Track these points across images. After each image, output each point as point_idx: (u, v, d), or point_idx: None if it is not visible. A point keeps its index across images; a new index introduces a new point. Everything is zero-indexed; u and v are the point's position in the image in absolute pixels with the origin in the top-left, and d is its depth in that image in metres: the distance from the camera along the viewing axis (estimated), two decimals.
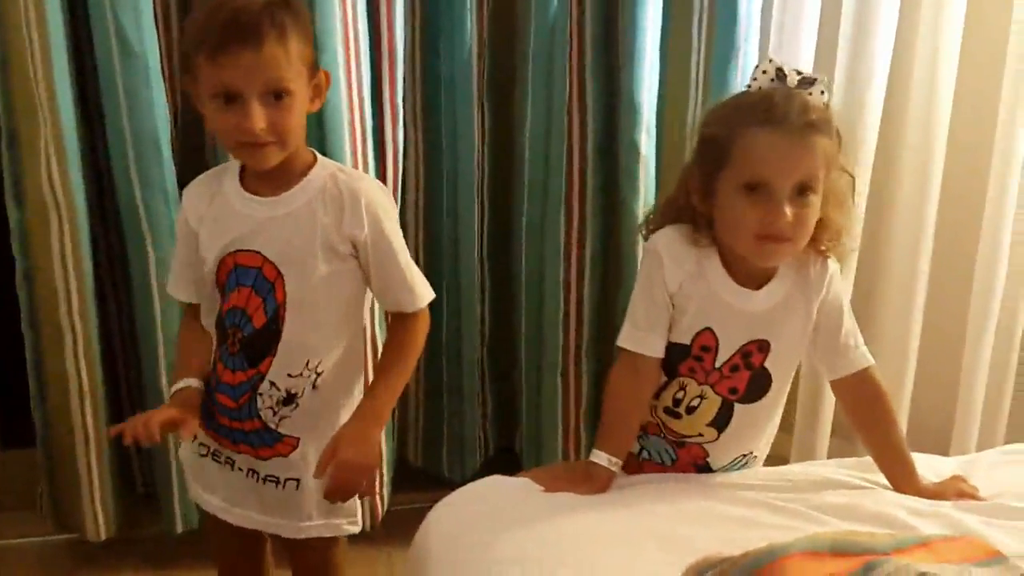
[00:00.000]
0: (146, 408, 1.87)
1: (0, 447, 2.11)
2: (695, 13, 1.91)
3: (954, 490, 1.43)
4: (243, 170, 1.42)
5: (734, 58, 1.91)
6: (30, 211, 1.72)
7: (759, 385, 1.42)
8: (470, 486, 1.43)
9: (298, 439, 1.44)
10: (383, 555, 1.97)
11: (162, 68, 1.73)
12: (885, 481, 1.45)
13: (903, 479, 1.44)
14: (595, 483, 1.38)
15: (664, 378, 1.44)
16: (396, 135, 1.86)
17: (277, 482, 1.46)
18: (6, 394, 2.05)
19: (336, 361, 1.44)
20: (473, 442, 2.11)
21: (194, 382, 1.44)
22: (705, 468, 1.47)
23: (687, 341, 1.41)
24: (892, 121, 2.09)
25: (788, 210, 1.29)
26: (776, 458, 2.23)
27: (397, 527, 1.75)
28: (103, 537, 1.89)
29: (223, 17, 1.28)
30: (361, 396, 1.47)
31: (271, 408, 1.42)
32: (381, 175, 1.84)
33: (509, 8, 1.94)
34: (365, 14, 1.77)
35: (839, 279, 1.44)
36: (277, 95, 1.30)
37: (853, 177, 1.43)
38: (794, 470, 1.53)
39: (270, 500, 1.47)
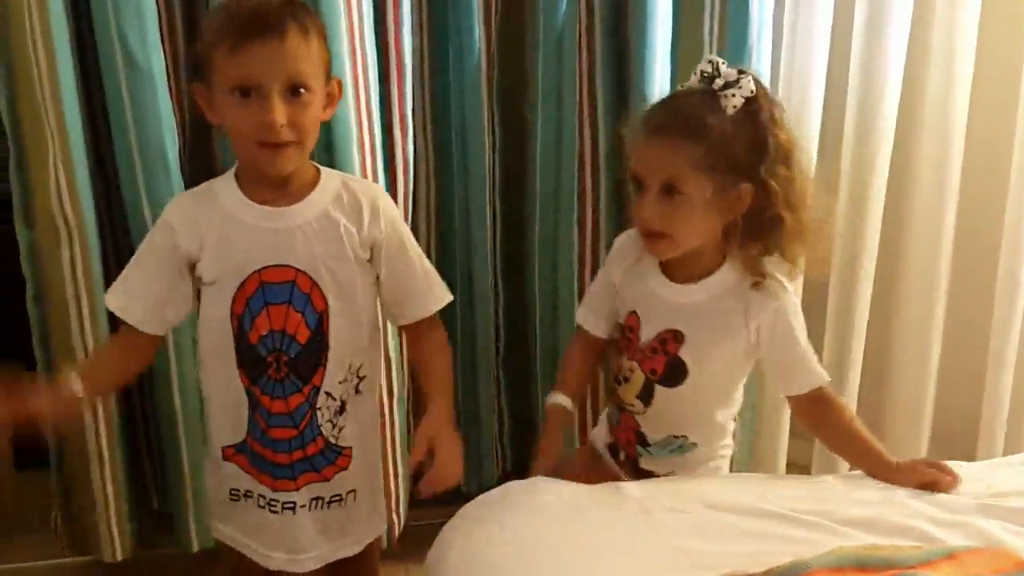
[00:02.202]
0: (160, 428, 1.87)
1: (14, 469, 2.09)
2: (706, 13, 1.88)
3: (916, 477, 1.45)
4: (241, 184, 1.40)
5: (746, 59, 1.87)
6: (40, 231, 1.71)
7: (676, 372, 1.50)
8: (482, 498, 1.40)
9: (351, 448, 1.47)
10: (401, 570, 1.95)
11: (168, 82, 1.71)
12: (912, 492, 1.42)
13: (876, 469, 1.49)
14: (548, 422, 1.56)
15: (622, 353, 1.58)
16: (406, 146, 1.84)
17: (340, 499, 1.48)
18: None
19: (370, 362, 1.47)
20: (490, 456, 2.09)
21: (77, 387, 1.39)
22: (641, 437, 1.58)
23: (623, 321, 1.56)
24: (908, 119, 2.05)
25: (650, 208, 1.40)
26: (797, 466, 2.24)
27: (415, 543, 1.72)
28: (119, 558, 1.88)
29: (245, 11, 1.30)
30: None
31: (330, 421, 1.44)
32: (391, 187, 1.82)
33: (517, 15, 1.91)
34: (372, 24, 1.75)
35: (788, 311, 1.47)
36: (296, 90, 1.31)
37: (795, 183, 1.42)
38: (812, 480, 1.50)
39: (335, 523, 1.49)
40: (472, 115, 1.90)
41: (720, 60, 1.41)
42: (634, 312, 1.53)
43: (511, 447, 2.16)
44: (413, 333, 1.52)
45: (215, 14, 1.37)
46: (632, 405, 1.56)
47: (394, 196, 1.82)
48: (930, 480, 1.44)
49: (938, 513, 1.34)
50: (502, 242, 2.02)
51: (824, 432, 1.58)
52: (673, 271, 1.50)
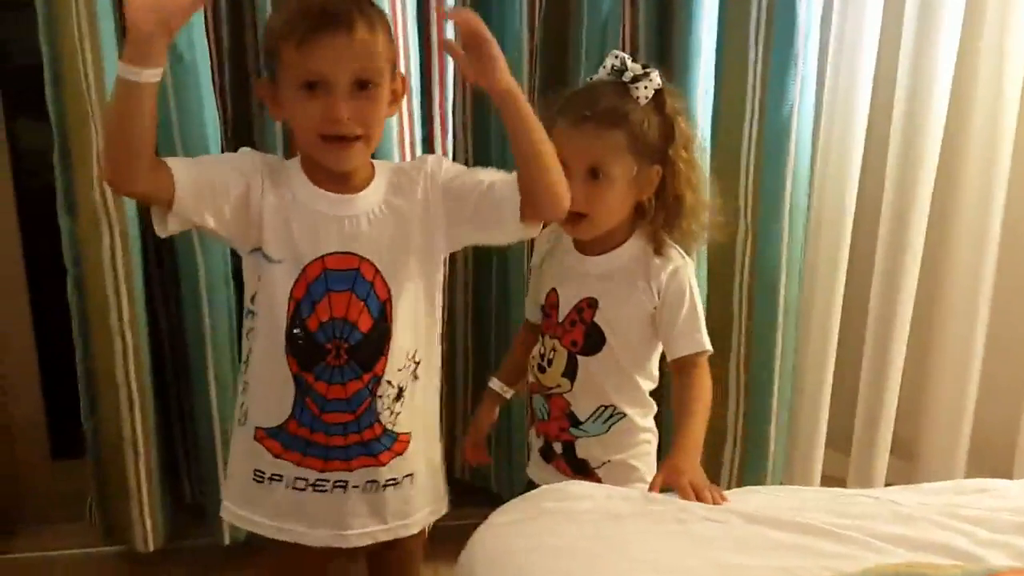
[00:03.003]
0: (195, 421, 1.88)
1: (50, 457, 2.11)
2: (752, 20, 1.86)
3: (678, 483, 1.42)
4: (306, 172, 1.41)
5: (793, 66, 1.86)
6: (82, 221, 1.73)
7: (594, 339, 1.60)
8: (515, 502, 1.39)
9: (409, 433, 1.48)
10: (429, 571, 1.94)
11: (212, 76, 1.72)
12: (948, 508, 1.39)
13: (671, 453, 1.50)
14: (483, 402, 1.75)
15: (541, 339, 1.67)
16: (446, 145, 1.84)
17: (396, 483, 1.48)
18: (56, 404, 2.06)
19: (427, 344, 1.48)
20: (521, 457, 2.06)
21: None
22: (572, 418, 1.64)
23: (543, 301, 1.66)
24: (956, 128, 2.03)
25: (578, 190, 1.48)
26: (833, 479, 2.21)
27: (444, 543, 1.71)
28: (152, 548, 1.89)
29: (313, 6, 1.31)
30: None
31: (388, 408, 1.44)
32: None
33: (561, 15, 1.90)
34: (415, 19, 1.75)
35: (684, 275, 1.59)
36: (363, 85, 1.33)
37: (691, 163, 1.58)
38: (848, 494, 1.48)
39: (392, 507, 1.49)
40: None
41: (626, 55, 1.54)
42: (553, 289, 1.64)
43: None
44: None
45: (283, 9, 1.38)
46: (558, 386, 1.64)
47: None
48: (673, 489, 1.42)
49: (978, 531, 1.30)
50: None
51: (676, 399, 1.59)
52: (585, 246, 1.62)
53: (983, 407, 2.19)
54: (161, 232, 1.36)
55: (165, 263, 1.87)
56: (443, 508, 1.59)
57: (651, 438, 1.67)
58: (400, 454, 1.47)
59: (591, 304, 1.59)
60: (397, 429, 1.46)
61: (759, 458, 2.07)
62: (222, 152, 1.74)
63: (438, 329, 1.51)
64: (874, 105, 1.99)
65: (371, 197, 1.41)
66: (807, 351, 2.10)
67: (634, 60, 1.54)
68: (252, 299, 1.43)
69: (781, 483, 2.11)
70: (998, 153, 2.01)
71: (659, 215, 1.58)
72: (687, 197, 1.57)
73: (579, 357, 1.61)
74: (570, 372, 1.62)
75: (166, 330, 1.92)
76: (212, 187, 1.35)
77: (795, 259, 1.98)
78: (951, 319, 2.15)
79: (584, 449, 1.64)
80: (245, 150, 1.46)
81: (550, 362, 1.64)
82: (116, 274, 1.74)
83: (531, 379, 1.71)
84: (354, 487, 1.46)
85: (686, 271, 1.59)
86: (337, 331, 1.39)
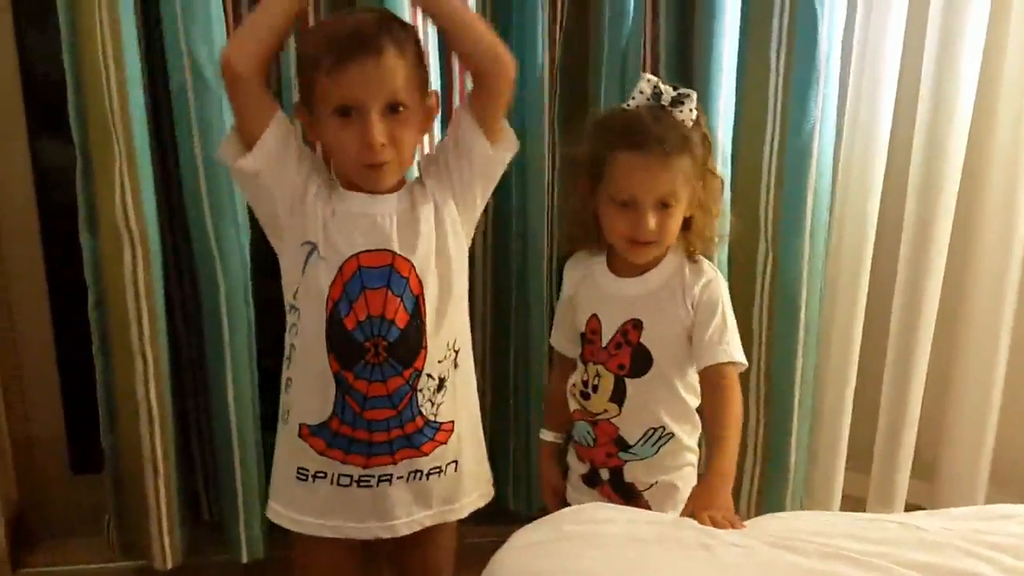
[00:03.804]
0: (215, 438, 1.88)
1: (70, 471, 2.12)
2: (773, 39, 1.85)
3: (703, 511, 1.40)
4: (338, 178, 1.47)
5: (815, 83, 1.84)
6: (103, 239, 1.73)
7: (641, 360, 1.62)
8: (537, 524, 1.38)
9: (453, 422, 1.51)
10: None
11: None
12: (973, 534, 1.38)
13: (703, 482, 1.51)
14: (541, 458, 1.79)
15: (582, 367, 1.69)
16: None
17: (440, 471, 1.51)
18: (77, 419, 2.07)
19: (463, 331, 1.52)
20: (538, 476, 2.06)
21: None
22: (621, 442, 1.65)
23: (584, 328, 1.68)
24: (978, 146, 2.01)
25: (651, 220, 1.54)
26: (853, 499, 2.19)
27: (461, 562, 1.72)
28: (169, 565, 1.89)
29: (343, 32, 1.35)
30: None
31: (430, 400, 1.47)
32: None
33: (582, 33, 1.90)
34: (436, 36, 1.75)
35: (716, 286, 1.62)
36: (394, 108, 1.36)
37: (720, 178, 1.68)
38: (871, 519, 1.46)
39: (436, 493, 1.52)
40: (533, 132, 1.88)
41: (657, 79, 1.56)
42: (594, 315, 1.65)
43: (563, 464, 2.13)
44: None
45: (312, 35, 1.41)
46: (606, 411, 1.65)
47: None
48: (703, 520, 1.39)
49: (1004, 559, 1.29)
50: (559, 259, 1.99)
51: (707, 412, 1.60)
52: (622, 269, 1.65)
53: (1005, 428, 2.16)
54: (235, 162, 1.40)
55: (185, 281, 1.87)
56: (490, 492, 1.64)
57: (694, 458, 1.68)
58: (443, 443, 1.50)
59: (636, 325, 1.61)
60: (440, 419, 1.48)
61: (780, 476, 2.06)
62: None
63: (467, 315, 1.55)
64: (896, 123, 1.97)
65: (400, 196, 1.45)
66: (827, 369, 2.09)
67: (662, 82, 1.57)
68: (294, 295, 1.46)
69: (802, 501, 2.10)
70: (1020, 175, 2.00)
71: (696, 229, 1.62)
72: (714, 208, 1.64)
73: (627, 380, 1.62)
74: (618, 396, 1.63)
75: (186, 347, 1.92)
76: (299, 151, 1.42)
77: (816, 276, 1.97)
78: (973, 338, 2.13)
79: (631, 473, 1.65)
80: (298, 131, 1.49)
81: (595, 388, 1.65)
82: (137, 291, 1.74)
83: (573, 407, 1.71)
84: (399, 478, 1.49)
85: (718, 283, 1.63)
86: (375, 329, 1.42)
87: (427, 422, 1.47)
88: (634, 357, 1.62)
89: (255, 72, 1.35)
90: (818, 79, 1.85)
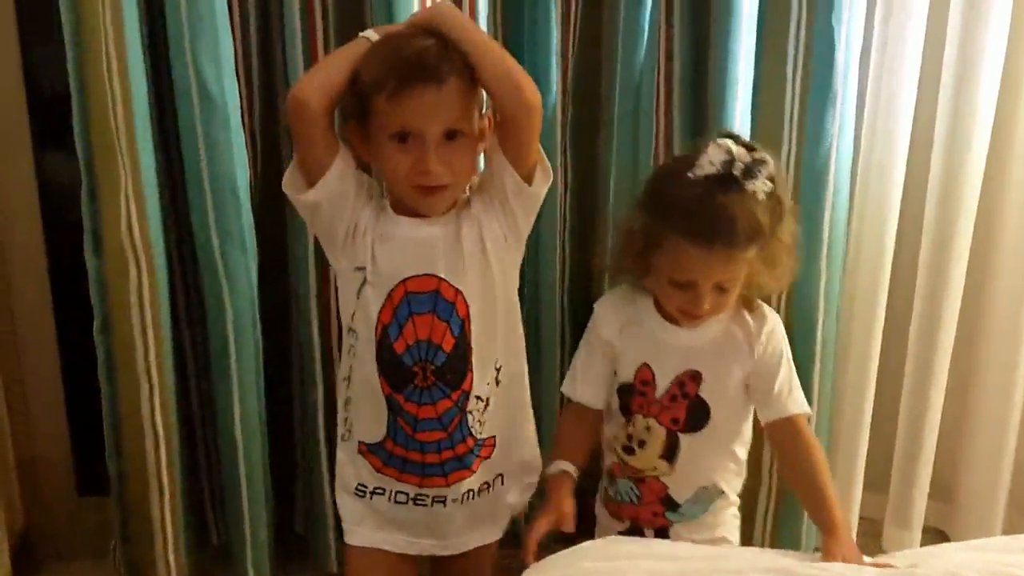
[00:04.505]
0: (221, 461, 1.85)
1: (76, 493, 2.10)
2: (789, 54, 1.81)
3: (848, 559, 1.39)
4: (390, 200, 1.47)
5: (831, 105, 1.80)
6: (109, 260, 1.70)
7: (699, 414, 1.52)
8: (552, 559, 1.35)
9: (494, 436, 1.52)
10: None
11: (242, 116, 1.71)
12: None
13: (827, 531, 1.45)
14: (554, 491, 1.50)
15: (623, 420, 1.57)
16: None
17: (488, 486, 1.54)
18: (83, 440, 2.05)
19: (507, 350, 1.50)
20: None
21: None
22: (669, 502, 1.57)
23: (631, 379, 1.55)
24: (997, 168, 1.97)
25: (708, 302, 1.45)
26: (870, 520, 2.16)
27: None
28: None
29: (405, 57, 1.34)
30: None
31: (479, 421, 1.49)
32: None
33: (594, 53, 1.87)
34: None
35: (779, 334, 1.55)
36: (452, 135, 1.36)
37: (788, 243, 1.51)
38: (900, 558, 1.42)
39: (487, 511, 1.56)
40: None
41: (730, 142, 1.41)
42: (645, 365, 1.54)
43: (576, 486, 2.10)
44: None
45: (373, 58, 1.38)
46: (654, 469, 1.55)
47: None
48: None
49: None
50: (571, 287, 1.97)
51: (791, 465, 1.55)
52: (674, 316, 1.54)
53: None
54: (297, 195, 1.43)
55: (192, 303, 1.85)
56: (533, 483, 1.61)
57: (736, 506, 1.62)
58: (488, 458, 1.52)
59: (694, 377, 1.52)
60: (484, 435, 1.50)
61: (795, 500, 2.02)
62: (251, 192, 1.72)
63: (520, 331, 1.54)
64: (914, 140, 1.94)
65: (445, 220, 1.44)
66: (844, 389, 2.05)
67: (736, 141, 1.42)
68: (352, 317, 1.48)
69: None
70: None
71: (756, 288, 1.53)
72: (783, 260, 1.51)
73: (681, 435, 1.53)
74: (670, 453, 1.54)
75: (192, 370, 1.90)
76: (357, 183, 1.44)
77: (832, 299, 1.94)
78: (992, 357, 2.09)
79: (677, 533, 1.57)
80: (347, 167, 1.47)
81: (642, 443, 1.55)
82: (143, 314, 1.72)
83: (611, 461, 1.62)
84: (453, 500, 1.52)
85: (780, 328, 1.55)
86: (423, 353, 1.44)
87: (476, 441, 1.50)
88: (691, 411, 1.52)
89: (324, 110, 1.37)
90: (835, 97, 1.81)
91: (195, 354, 1.89)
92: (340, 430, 1.57)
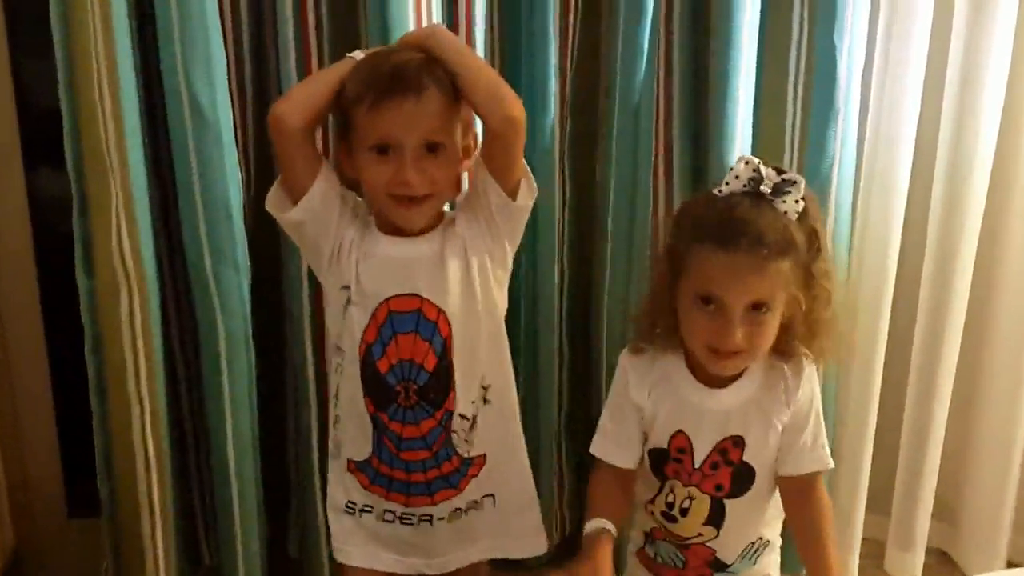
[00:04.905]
0: (213, 483, 1.83)
1: (67, 516, 2.08)
2: (790, 72, 1.80)
3: None
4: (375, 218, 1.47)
5: (833, 120, 1.79)
6: (100, 281, 1.67)
7: (744, 479, 1.43)
8: None
9: (484, 455, 1.50)
10: None
11: (235, 135, 1.68)
12: None
13: None
14: (593, 548, 1.37)
15: (656, 483, 1.47)
16: None
17: (477, 505, 1.52)
18: (74, 462, 2.03)
19: (494, 368, 1.49)
20: (550, 521, 2.01)
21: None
22: (718, 564, 1.48)
23: (665, 444, 1.44)
24: (1001, 180, 1.95)
25: (738, 329, 1.31)
26: (873, 541, 2.14)
27: None
28: None
29: (386, 70, 1.36)
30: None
31: (465, 440, 1.47)
32: None
33: (593, 68, 1.85)
34: None
35: (813, 380, 1.44)
36: (432, 147, 1.37)
37: (829, 284, 1.39)
38: None
39: (478, 530, 1.53)
40: (543, 169, 1.83)
41: (757, 161, 1.33)
42: (680, 432, 1.43)
43: (570, 512, 2.08)
44: None
45: (355, 72, 1.40)
46: (699, 535, 1.46)
47: None
48: None
49: None
50: (568, 304, 1.96)
51: (797, 522, 1.45)
52: (710, 377, 1.41)
53: None
54: (281, 214, 1.44)
55: (184, 324, 1.82)
56: (540, 547, 1.58)
57: (778, 551, 1.55)
58: (476, 476, 1.50)
59: (737, 443, 1.41)
60: (472, 454, 1.49)
61: None
62: (244, 211, 1.70)
63: (506, 351, 1.53)
64: (916, 160, 1.92)
65: (429, 240, 1.44)
66: (847, 410, 2.03)
67: (764, 165, 1.33)
68: (339, 336, 1.48)
69: None
70: None
71: (799, 332, 1.39)
72: (827, 314, 1.39)
73: (727, 501, 1.43)
74: (716, 519, 1.44)
75: (185, 392, 1.88)
76: (342, 201, 1.45)
77: None
78: (995, 378, 2.06)
79: None
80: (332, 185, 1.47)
81: (684, 512, 1.44)
82: (134, 335, 1.69)
83: (650, 525, 1.52)
84: (439, 519, 1.51)
85: (815, 376, 1.44)
86: (405, 372, 1.44)
87: (462, 460, 1.49)
88: (735, 477, 1.42)
89: (303, 128, 1.39)
90: (837, 112, 1.80)
91: (187, 374, 1.87)
92: (331, 447, 1.57)
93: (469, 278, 1.44)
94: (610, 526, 1.40)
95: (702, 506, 1.43)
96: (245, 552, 1.83)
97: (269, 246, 1.80)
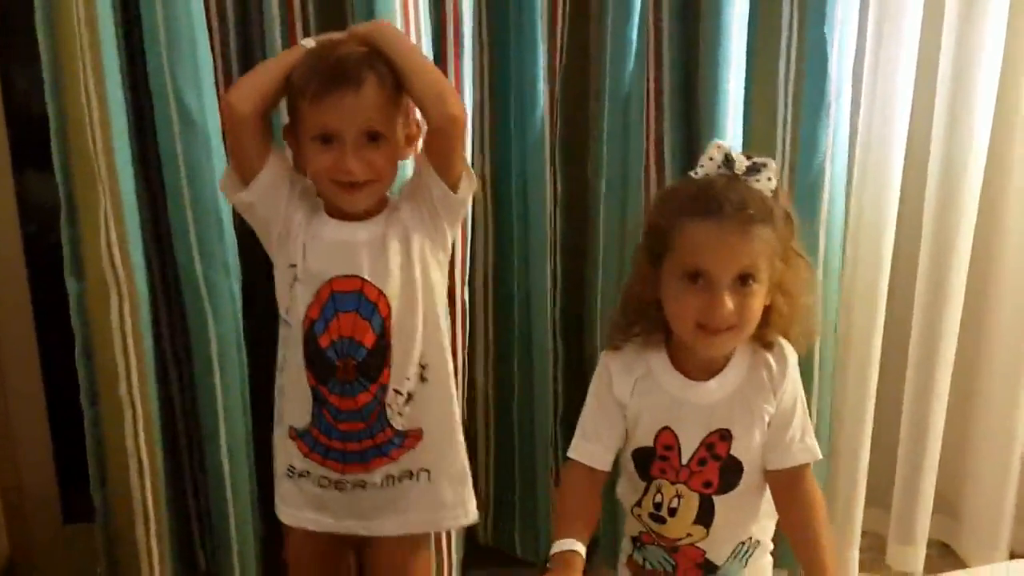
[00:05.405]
0: (207, 487, 1.82)
1: (61, 521, 2.07)
2: (781, 69, 1.79)
3: None
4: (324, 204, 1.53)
5: (825, 114, 1.77)
6: (89, 286, 1.68)
7: (732, 474, 1.42)
8: None
9: (420, 429, 1.56)
10: None
11: (224, 139, 1.67)
12: None
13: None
14: (566, 569, 1.33)
15: (642, 484, 1.46)
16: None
17: (412, 476, 1.57)
18: (68, 468, 2.02)
19: (433, 348, 1.54)
20: (546, 520, 2.01)
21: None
22: (708, 566, 1.48)
23: (650, 442, 1.43)
24: (995, 177, 1.94)
25: (728, 301, 1.31)
26: (873, 535, 2.13)
27: None
28: None
29: (328, 63, 1.43)
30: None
31: (399, 413, 1.53)
32: None
33: (583, 61, 1.84)
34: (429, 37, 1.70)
35: (796, 370, 1.44)
36: (372, 136, 1.44)
37: (807, 261, 1.42)
38: None
39: (411, 502, 1.58)
40: (534, 167, 1.84)
41: (728, 146, 1.37)
42: (666, 428, 1.42)
43: None
44: None
45: (301, 66, 1.46)
46: (689, 535, 1.45)
47: (452, 245, 1.76)
48: None
49: None
50: (562, 302, 1.95)
51: (788, 515, 1.44)
52: (691, 370, 1.41)
53: None
54: (232, 195, 1.52)
55: (175, 326, 1.81)
56: (471, 514, 1.64)
57: (770, 555, 1.55)
58: (412, 448, 1.56)
59: (724, 436, 1.40)
60: (407, 427, 1.55)
61: None
62: (233, 213, 1.69)
63: (446, 332, 1.58)
64: (909, 153, 1.91)
65: (373, 224, 1.51)
66: (845, 405, 2.02)
67: (733, 151, 1.37)
68: (286, 311, 1.55)
69: None
70: None
71: (777, 320, 1.39)
72: (802, 299, 1.40)
73: (715, 498, 1.42)
74: (705, 517, 1.43)
75: (178, 396, 1.86)
76: (291, 184, 1.52)
77: (830, 310, 1.90)
78: (994, 370, 2.06)
79: None
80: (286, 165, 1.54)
81: (673, 511, 1.43)
82: (125, 340, 1.69)
83: (638, 530, 1.51)
84: (373, 484, 1.57)
85: (796, 366, 1.44)
86: (345, 349, 1.51)
87: (396, 432, 1.55)
88: (724, 472, 1.41)
89: (254, 114, 1.45)
90: (828, 106, 1.78)
91: (179, 378, 1.85)
92: (275, 415, 1.63)
93: (410, 262, 1.50)
94: (580, 547, 1.36)
95: (691, 504, 1.43)
96: (240, 556, 1.82)
97: (260, 248, 1.78)
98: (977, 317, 2.03)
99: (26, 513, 2.04)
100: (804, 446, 1.42)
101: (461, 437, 1.63)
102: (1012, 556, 2.10)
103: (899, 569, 2.11)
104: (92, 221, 1.64)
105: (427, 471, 1.58)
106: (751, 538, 1.48)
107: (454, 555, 1.89)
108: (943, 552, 2.19)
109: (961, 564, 2.15)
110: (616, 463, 1.48)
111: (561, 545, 1.36)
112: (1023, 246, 1.96)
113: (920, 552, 2.10)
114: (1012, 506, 2.10)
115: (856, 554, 2.08)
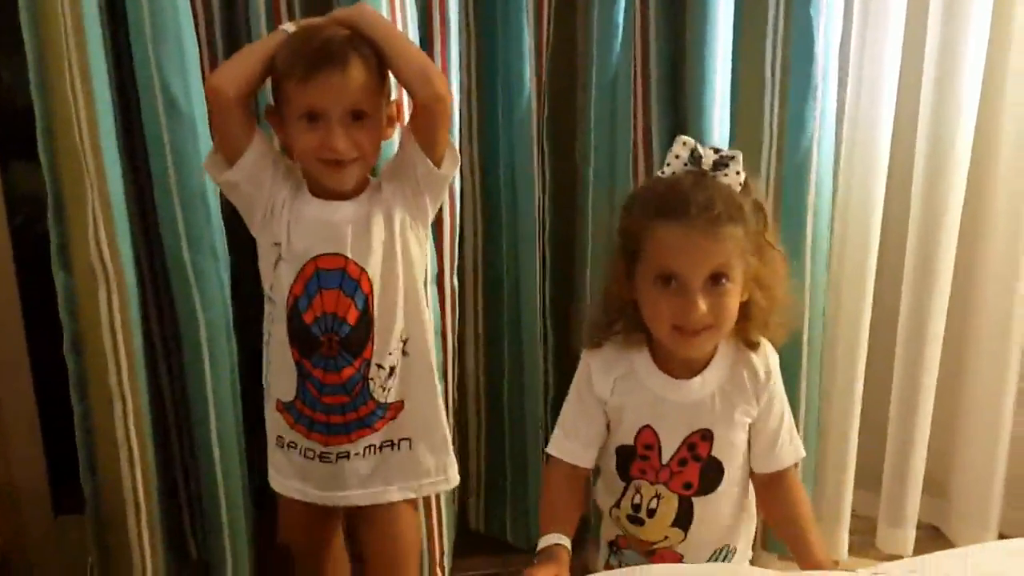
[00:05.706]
0: (199, 476, 1.82)
1: (52, 514, 2.06)
2: (767, 52, 1.79)
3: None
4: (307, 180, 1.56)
5: (812, 96, 1.78)
6: (77, 277, 1.67)
7: (712, 475, 1.42)
8: None
9: (402, 401, 1.60)
10: None
11: (210, 127, 1.67)
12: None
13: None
14: (554, 561, 1.35)
15: (621, 484, 1.45)
16: (453, 187, 1.78)
17: (393, 444, 1.61)
18: (58, 459, 2.01)
19: (414, 323, 1.58)
20: (536, 507, 2.01)
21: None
22: None
23: (631, 441, 1.43)
24: (982, 162, 1.95)
25: (702, 303, 1.31)
26: (862, 518, 2.13)
27: None
28: None
29: (314, 45, 1.46)
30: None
31: (381, 386, 1.58)
32: (438, 224, 1.77)
33: (570, 47, 1.85)
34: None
35: (778, 374, 1.44)
36: (357, 115, 1.47)
37: (781, 252, 1.42)
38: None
39: (393, 469, 1.62)
40: (521, 151, 1.84)
41: (694, 142, 1.36)
42: (647, 427, 1.41)
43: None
44: None
45: (286, 47, 1.49)
46: (666, 539, 1.44)
47: (440, 240, 1.79)
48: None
49: None
50: (551, 288, 1.95)
51: (776, 515, 1.47)
52: (674, 368, 1.41)
53: (1018, 443, 2.10)
54: (218, 175, 1.54)
55: (165, 319, 1.81)
56: (453, 478, 1.68)
57: (749, 564, 1.55)
58: (394, 419, 1.61)
59: (705, 436, 1.40)
60: (389, 399, 1.60)
61: None
62: (220, 199, 1.69)
63: (424, 305, 1.62)
64: (896, 135, 1.91)
65: (356, 204, 1.54)
66: (833, 388, 2.03)
67: (700, 145, 1.36)
68: (270, 288, 1.59)
69: None
70: None
71: (757, 314, 1.39)
72: (779, 290, 1.40)
73: (695, 499, 1.42)
74: (684, 520, 1.43)
75: (167, 386, 1.86)
76: (275, 164, 1.55)
77: (818, 300, 1.91)
78: (982, 352, 2.06)
79: None
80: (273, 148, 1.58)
81: (651, 512, 1.43)
82: (114, 331, 1.68)
83: (615, 533, 1.51)
84: (356, 454, 1.61)
85: (777, 365, 1.44)
86: (329, 325, 1.55)
87: (379, 404, 1.59)
88: (704, 473, 1.40)
89: (238, 97, 1.48)
90: (815, 88, 1.79)
91: (168, 367, 1.85)
92: (264, 387, 1.67)
93: (391, 239, 1.54)
94: (565, 541, 1.38)
95: (670, 506, 1.42)
96: (232, 544, 1.82)
97: (248, 234, 1.78)
98: (965, 297, 2.04)
99: (18, 505, 2.03)
100: (793, 447, 1.45)
101: (442, 406, 1.67)
102: (1001, 537, 2.11)
103: (889, 551, 2.12)
104: (80, 219, 1.64)
105: (408, 439, 1.63)
106: (728, 546, 1.48)
107: (447, 543, 1.90)
108: (933, 535, 2.20)
109: (951, 546, 2.16)
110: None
111: (547, 540, 1.39)
112: (1010, 227, 1.96)
113: (910, 535, 2.11)
114: (1001, 488, 2.11)
115: (846, 537, 2.09)
